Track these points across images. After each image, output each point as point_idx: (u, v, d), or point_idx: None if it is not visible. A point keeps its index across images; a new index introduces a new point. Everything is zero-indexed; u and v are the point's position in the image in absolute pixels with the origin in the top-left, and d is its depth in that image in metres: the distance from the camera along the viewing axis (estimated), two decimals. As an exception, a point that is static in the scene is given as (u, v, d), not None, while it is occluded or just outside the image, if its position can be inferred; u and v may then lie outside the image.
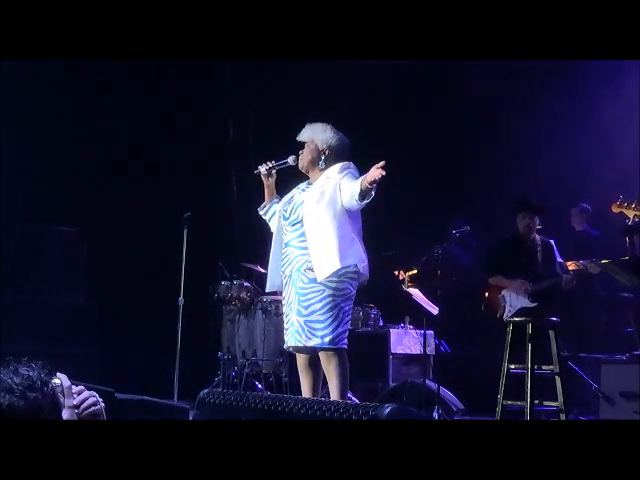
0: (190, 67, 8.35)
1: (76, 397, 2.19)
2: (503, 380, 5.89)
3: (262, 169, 5.21)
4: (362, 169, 4.87)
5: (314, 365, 4.96)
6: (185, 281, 6.91)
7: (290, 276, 4.96)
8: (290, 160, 5.15)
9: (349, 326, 5.00)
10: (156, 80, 8.72)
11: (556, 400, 5.76)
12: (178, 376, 6.73)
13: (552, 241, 6.61)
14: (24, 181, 7.93)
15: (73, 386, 2.20)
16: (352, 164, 5.00)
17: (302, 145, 5.12)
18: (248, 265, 7.73)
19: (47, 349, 6.38)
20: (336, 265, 4.77)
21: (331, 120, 5.19)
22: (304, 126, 5.15)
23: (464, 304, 7.28)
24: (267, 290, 5.35)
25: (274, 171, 5.23)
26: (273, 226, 5.23)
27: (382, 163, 4.53)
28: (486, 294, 6.67)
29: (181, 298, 6.89)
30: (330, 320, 4.81)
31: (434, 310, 6.88)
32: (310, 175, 5.13)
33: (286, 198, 5.16)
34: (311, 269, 4.86)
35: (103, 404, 2.24)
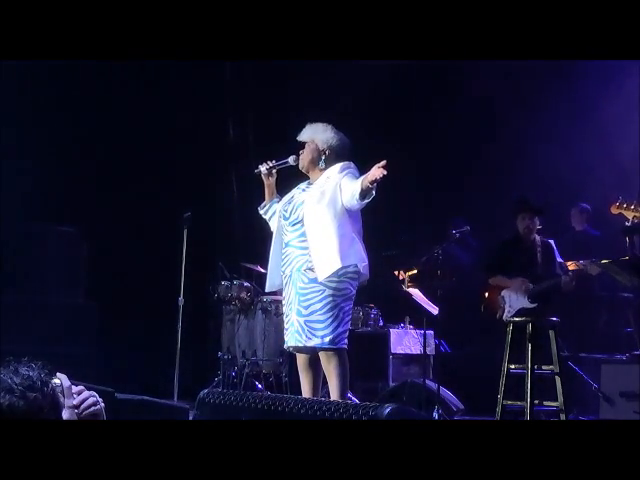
0: (190, 67, 8.35)
1: (76, 397, 2.19)
2: (503, 380, 5.89)
3: (262, 168, 5.22)
4: (362, 169, 4.87)
5: (314, 365, 4.96)
6: (185, 281, 6.92)
7: (290, 276, 4.96)
8: (290, 160, 5.16)
9: (349, 326, 5.00)
10: (156, 80, 8.72)
11: (556, 400, 5.76)
12: (178, 376, 6.73)
13: (552, 241, 6.60)
14: (24, 181, 7.93)
15: (73, 386, 2.20)
16: (352, 164, 5.00)
17: (302, 145, 5.12)
18: (248, 265, 7.73)
19: (47, 349, 6.38)
20: (337, 265, 4.77)
21: (331, 120, 5.19)
22: (304, 126, 5.15)
23: (464, 304, 7.28)
24: (267, 290, 5.35)
25: (274, 171, 5.24)
26: (273, 226, 5.23)
27: (383, 162, 4.54)
28: (486, 294, 6.67)
29: (181, 298, 6.89)
30: (330, 320, 4.81)
31: (434, 310, 6.88)
32: (310, 175, 5.13)
33: (286, 198, 5.16)
34: (311, 269, 4.86)
35: (103, 404, 2.24)
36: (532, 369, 5.72)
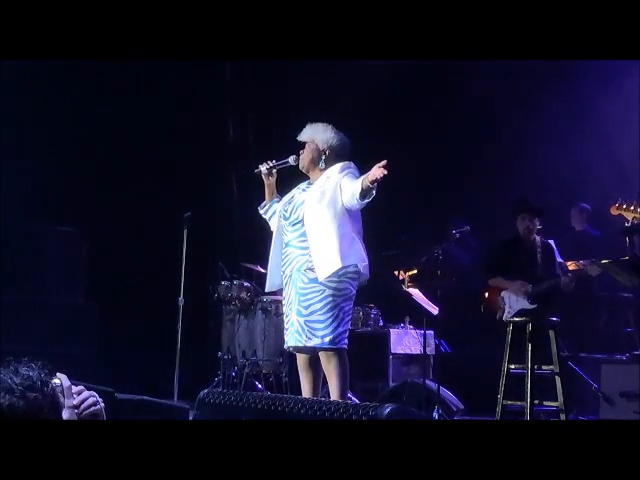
0: (190, 67, 8.35)
1: (76, 397, 2.19)
2: (503, 380, 5.89)
3: (263, 168, 5.22)
4: (362, 169, 4.87)
5: (314, 365, 4.96)
6: (185, 281, 6.92)
7: (290, 276, 4.96)
8: (291, 160, 5.16)
9: (349, 326, 5.00)
10: (156, 80, 8.72)
11: (556, 400, 5.76)
12: (178, 376, 6.73)
13: (552, 241, 6.60)
14: (24, 181, 7.93)
15: (73, 386, 2.20)
16: (352, 164, 5.00)
17: (303, 145, 5.12)
18: (248, 265, 7.73)
19: (47, 349, 6.39)
20: (337, 265, 4.77)
21: (331, 120, 5.19)
22: (304, 126, 5.15)
23: (464, 304, 7.28)
24: (267, 290, 5.35)
25: (274, 170, 5.24)
26: (273, 225, 5.23)
27: (384, 162, 4.53)
28: (486, 294, 6.68)
29: (181, 298, 6.89)
30: (330, 320, 4.81)
31: (434, 310, 6.88)
32: (310, 175, 5.13)
33: (286, 198, 5.16)
34: (311, 269, 4.86)
35: (103, 404, 2.24)
36: (532, 369, 5.72)
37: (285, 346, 5.12)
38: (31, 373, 2.06)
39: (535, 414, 5.73)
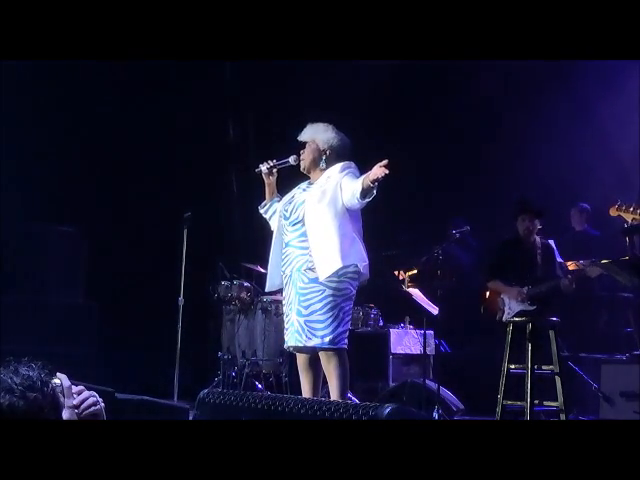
0: (190, 67, 8.34)
1: (76, 397, 2.19)
2: (503, 380, 5.89)
3: (263, 168, 5.22)
4: (362, 169, 4.87)
5: (314, 365, 4.96)
6: (185, 281, 6.91)
7: (290, 276, 4.96)
8: (291, 159, 5.16)
9: (349, 326, 5.00)
10: (156, 80, 8.72)
11: (556, 400, 5.76)
12: (178, 376, 6.73)
13: (552, 242, 6.61)
14: (24, 181, 7.93)
15: (73, 386, 2.20)
16: (353, 164, 5.01)
17: (303, 145, 5.12)
18: (248, 265, 7.73)
19: (47, 349, 6.39)
20: (337, 264, 4.77)
21: (331, 120, 5.19)
22: (305, 126, 5.15)
23: (464, 304, 7.28)
24: (267, 290, 5.35)
25: (275, 170, 5.24)
26: (273, 225, 5.23)
27: (385, 162, 4.53)
28: (486, 294, 6.68)
29: (181, 298, 6.89)
30: (330, 320, 4.81)
31: (434, 310, 6.88)
32: (311, 175, 5.13)
33: (287, 198, 5.16)
34: (311, 269, 4.86)
35: (103, 404, 2.24)
36: (532, 369, 5.72)
37: (285, 346, 5.12)
38: (31, 373, 2.06)
39: (535, 414, 5.73)
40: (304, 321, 4.84)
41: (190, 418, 4.66)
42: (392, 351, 7.28)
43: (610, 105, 8.05)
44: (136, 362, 7.79)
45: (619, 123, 8.02)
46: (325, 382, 5.00)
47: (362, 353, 6.92)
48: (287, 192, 5.22)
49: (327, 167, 5.02)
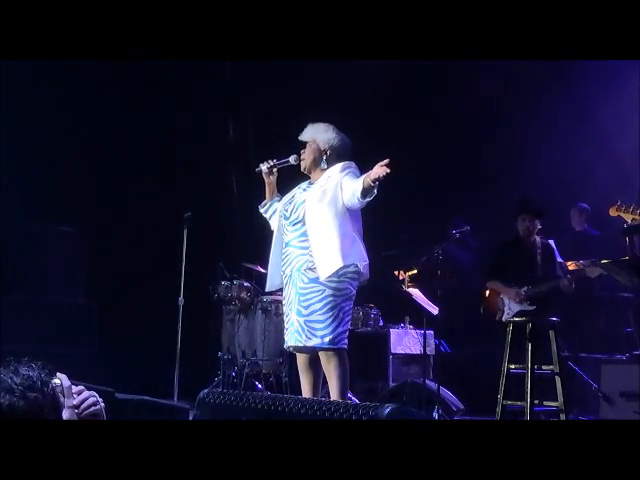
0: (190, 67, 8.34)
1: (76, 397, 2.19)
2: (503, 380, 5.89)
3: (263, 167, 5.22)
4: (362, 169, 4.87)
5: (314, 365, 4.96)
6: (185, 281, 6.91)
7: (290, 276, 4.96)
8: (291, 159, 5.16)
9: (349, 326, 5.00)
10: (156, 80, 8.72)
11: (556, 400, 5.76)
12: (178, 376, 6.73)
13: (552, 241, 6.61)
14: (24, 181, 7.93)
15: (73, 386, 2.20)
16: (353, 164, 5.01)
17: (303, 144, 5.12)
18: (248, 265, 7.73)
19: (47, 349, 6.39)
20: (338, 264, 4.77)
21: (331, 120, 5.19)
22: (305, 126, 5.16)
23: (464, 304, 7.28)
24: (267, 289, 5.35)
25: (275, 169, 5.24)
26: (273, 224, 5.23)
27: (386, 161, 4.53)
28: (486, 294, 6.68)
29: (181, 298, 6.89)
30: (330, 320, 4.81)
31: (434, 310, 6.88)
32: (311, 175, 5.13)
33: (287, 198, 5.16)
34: (311, 269, 4.86)
35: (103, 404, 2.24)
36: (532, 369, 5.72)
37: (285, 346, 5.12)
38: (31, 373, 2.06)
39: (535, 414, 5.73)
40: (304, 321, 4.84)
41: (190, 418, 4.66)
42: (392, 351, 7.28)
43: (610, 105, 8.05)
44: (136, 362, 7.79)
45: (619, 123, 8.02)
46: (325, 382, 5.00)
47: (362, 353, 6.92)
48: (287, 192, 5.22)
49: (328, 167, 5.02)
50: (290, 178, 5.33)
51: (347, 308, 4.89)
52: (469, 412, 6.74)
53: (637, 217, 5.18)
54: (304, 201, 4.97)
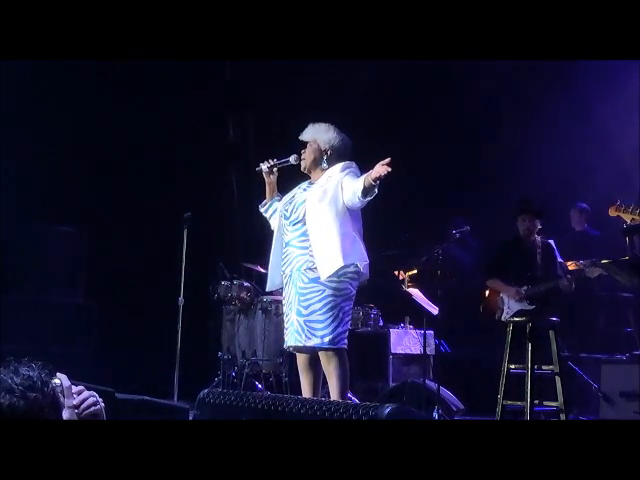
0: (190, 67, 8.34)
1: (76, 397, 2.19)
2: (503, 380, 5.89)
3: (263, 166, 5.22)
4: (362, 169, 4.87)
5: (314, 365, 4.96)
6: (185, 281, 6.91)
7: (290, 276, 4.96)
8: (292, 159, 5.16)
9: (349, 326, 5.00)
10: (156, 80, 8.72)
11: (556, 400, 5.76)
12: (178, 376, 6.73)
13: (552, 241, 6.61)
14: (24, 181, 7.93)
15: (73, 386, 2.20)
16: (354, 163, 5.01)
17: (304, 144, 5.12)
18: (248, 265, 7.73)
19: (47, 349, 6.40)
20: (339, 263, 4.77)
21: (331, 120, 5.19)
22: (305, 126, 5.15)
23: (464, 304, 7.28)
24: (267, 289, 5.35)
25: (275, 169, 5.24)
26: (273, 224, 5.23)
27: (388, 160, 4.53)
28: (486, 294, 6.68)
29: (181, 298, 6.88)
30: (330, 320, 4.81)
31: (434, 310, 6.88)
32: (312, 175, 5.13)
33: (287, 197, 5.16)
34: (311, 269, 4.86)
35: (103, 404, 2.24)
36: (532, 369, 5.72)
37: (285, 346, 5.12)
38: (31, 373, 2.06)
39: (535, 414, 5.73)
40: (304, 321, 4.84)
41: (190, 418, 4.66)
42: (392, 351, 7.28)
43: (610, 105, 8.05)
44: (136, 362, 7.78)
45: (619, 123, 8.01)
46: (325, 382, 5.00)
47: (362, 353, 6.92)
48: (287, 192, 5.22)
49: (328, 167, 5.02)
50: (290, 178, 5.33)
51: (347, 308, 4.89)
52: (469, 412, 6.74)
53: (637, 217, 5.17)
54: (304, 201, 4.97)
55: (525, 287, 6.39)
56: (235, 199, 9.55)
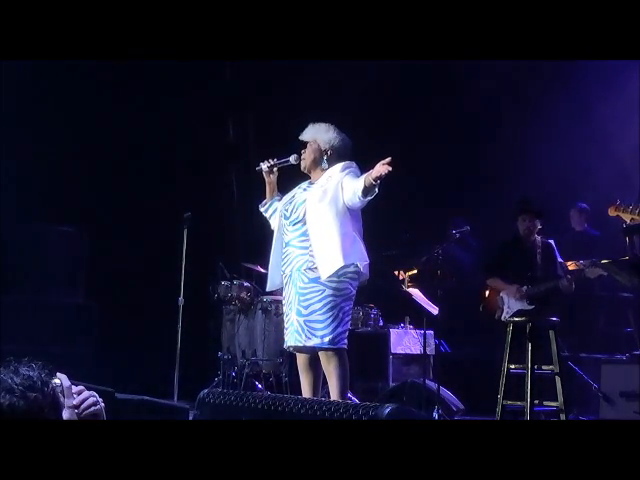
0: (190, 67, 8.34)
1: (76, 397, 2.19)
2: (503, 380, 5.89)
3: (264, 166, 5.23)
4: (362, 169, 4.87)
5: (314, 365, 4.96)
6: (185, 281, 6.91)
7: (290, 276, 4.96)
8: (292, 159, 5.16)
9: (349, 326, 5.00)
10: (156, 80, 8.72)
11: (556, 400, 5.76)
12: (178, 376, 6.73)
13: (552, 241, 6.61)
14: (24, 181, 7.93)
15: (73, 386, 2.20)
16: (354, 163, 5.01)
17: (304, 144, 5.12)
18: (248, 265, 7.73)
19: (47, 349, 6.39)
20: (339, 263, 4.77)
21: (331, 120, 5.19)
22: (305, 126, 5.16)
23: (464, 304, 7.28)
24: (267, 289, 5.35)
25: (275, 169, 5.24)
26: (273, 223, 5.23)
27: (388, 159, 4.53)
28: (486, 293, 6.68)
29: (181, 298, 6.88)
30: (330, 320, 4.81)
31: (434, 310, 6.88)
32: (312, 175, 5.13)
33: (287, 197, 5.16)
34: (311, 269, 4.86)
35: (103, 404, 2.24)
36: (532, 369, 5.72)
37: (285, 346, 5.12)
38: (31, 373, 2.06)
39: (535, 414, 5.73)
40: (304, 321, 4.84)
41: (190, 418, 4.66)
42: (392, 351, 7.28)
43: (610, 105, 8.05)
44: (136, 362, 7.78)
45: (619, 123, 8.02)
46: (325, 382, 5.00)
47: (362, 353, 6.92)
48: (288, 192, 5.22)
49: (328, 167, 5.02)
50: (290, 178, 5.33)
51: (347, 308, 4.89)
52: (469, 412, 6.74)
53: (636, 217, 5.17)
54: (304, 201, 4.97)
55: (525, 287, 6.39)
56: (235, 199, 9.55)
